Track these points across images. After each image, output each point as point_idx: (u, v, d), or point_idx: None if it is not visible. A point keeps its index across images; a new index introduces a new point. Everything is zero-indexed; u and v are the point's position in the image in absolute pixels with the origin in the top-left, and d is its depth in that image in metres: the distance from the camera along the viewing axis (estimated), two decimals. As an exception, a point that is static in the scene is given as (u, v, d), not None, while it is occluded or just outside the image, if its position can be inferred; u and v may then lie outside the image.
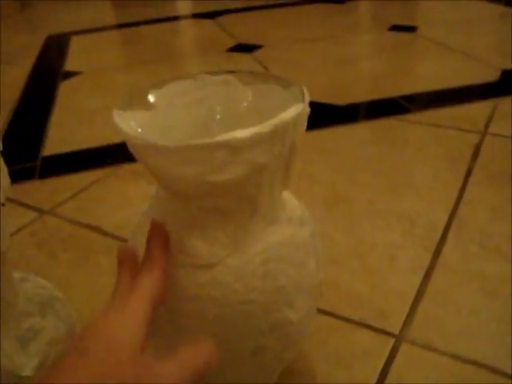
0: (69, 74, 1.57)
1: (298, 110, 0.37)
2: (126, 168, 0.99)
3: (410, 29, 1.71)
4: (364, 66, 1.45)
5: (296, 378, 0.55)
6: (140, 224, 0.44)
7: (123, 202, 0.88)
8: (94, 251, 0.76)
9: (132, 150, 0.38)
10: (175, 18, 2.20)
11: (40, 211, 0.87)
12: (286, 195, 0.44)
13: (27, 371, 0.46)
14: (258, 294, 0.40)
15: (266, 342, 0.43)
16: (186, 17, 2.26)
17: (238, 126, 0.36)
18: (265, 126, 0.35)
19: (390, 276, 0.68)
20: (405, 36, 1.67)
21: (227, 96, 0.45)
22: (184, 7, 2.49)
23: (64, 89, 1.45)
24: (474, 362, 0.55)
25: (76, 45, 1.90)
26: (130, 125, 0.38)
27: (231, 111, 0.45)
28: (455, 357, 0.56)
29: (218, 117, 0.45)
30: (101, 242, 0.78)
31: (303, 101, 0.39)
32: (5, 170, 0.45)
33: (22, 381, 0.46)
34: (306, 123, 0.39)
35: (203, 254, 0.39)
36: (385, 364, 0.56)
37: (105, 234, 0.80)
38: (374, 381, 0.54)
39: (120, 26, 2.15)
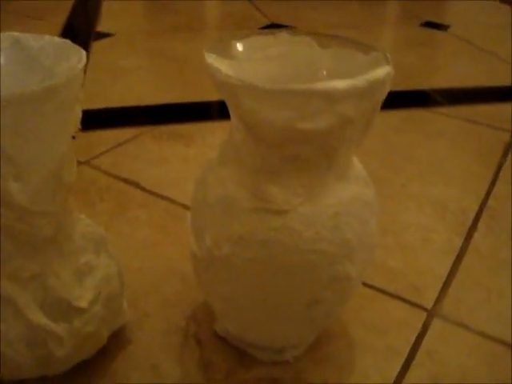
0: (101, 35, 1.57)
1: (387, 70, 0.38)
2: (161, 129, 1.00)
3: (442, 27, 1.72)
4: (395, 58, 1.45)
5: (332, 340, 0.57)
6: (210, 167, 0.46)
7: (159, 161, 0.89)
8: (131, 204, 0.77)
9: (224, 92, 0.39)
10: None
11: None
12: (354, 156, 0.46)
13: (83, 303, 0.48)
14: (326, 244, 0.41)
15: (323, 294, 0.44)
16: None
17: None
18: (360, 80, 0.36)
19: (422, 255, 0.69)
20: (436, 33, 1.67)
21: (306, 56, 0.46)
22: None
23: (97, 48, 1.45)
24: (502, 342, 0.57)
25: (108, 7, 1.90)
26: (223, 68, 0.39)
27: (310, 71, 0.46)
28: (484, 335, 0.58)
29: (297, 75, 0.46)
30: (138, 196, 0.79)
31: (388, 63, 0.40)
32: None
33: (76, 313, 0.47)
34: (389, 87, 0.40)
35: (278, 200, 0.40)
36: (417, 336, 0.58)
37: (142, 188, 0.81)
38: (407, 350, 0.56)
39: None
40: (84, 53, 0.42)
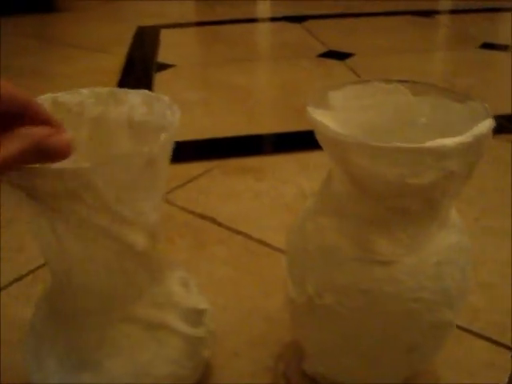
0: (162, 66, 1.61)
1: (491, 124, 0.39)
2: (230, 163, 1.02)
3: (502, 47, 1.70)
4: (456, 82, 1.46)
5: (420, 380, 0.57)
6: (307, 216, 0.47)
7: (232, 196, 0.91)
8: (209, 241, 0.79)
9: (329, 147, 0.40)
10: (260, 20, 2.24)
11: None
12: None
13: (204, 305, 0.53)
14: (427, 293, 0.42)
15: (423, 340, 0.45)
16: (271, 19, 2.29)
17: (412, 138, 0.38)
18: (468, 137, 0.37)
19: (502, 291, 0.69)
20: (497, 55, 1.66)
21: (400, 105, 0.47)
22: (267, 10, 2.52)
23: (159, 80, 1.49)
24: None
25: (165, 38, 1.95)
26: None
27: (406, 121, 0.47)
28: None
29: (392, 125, 0.47)
30: (215, 232, 0.81)
31: (488, 115, 0.41)
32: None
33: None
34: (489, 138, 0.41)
35: (384, 251, 0.41)
36: (509, 378, 0.57)
37: (218, 224, 0.83)
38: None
39: (205, 23, 2.19)
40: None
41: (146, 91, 0.47)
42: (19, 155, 0.31)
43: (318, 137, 0.41)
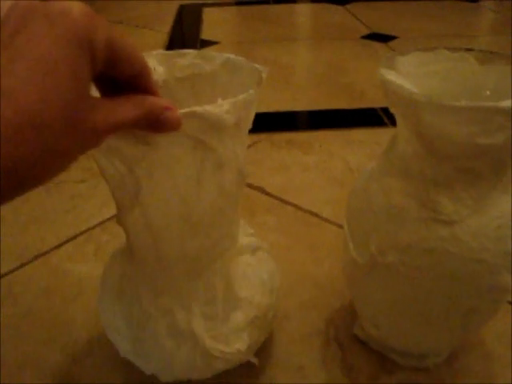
0: (207, 43, 1.63)
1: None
2: (278, 136, 1.03)
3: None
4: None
5: (470, 351, 0.58)
6: (372, 177, 0.48)
7: (281, 168, 0.92)
8: (259, 210, 0.81)
9: (400, 107, 0.41)
10: (303, 1, 2.23)
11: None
12: None
13: (244, 293, 0.51)
14: (490, 254, 0.43)
15: (481, 303, 0.46)
16: (314, 1, 2.28)
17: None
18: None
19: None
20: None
21: (466, 73, 0.48)
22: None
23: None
24: None
25: (208, 16, 1.96)
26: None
27: (471, 88, 0.48)
28: None
29: (458, 91, 0.48)
30: (264, 201, 0.83)
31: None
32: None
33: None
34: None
35: (447, 210, 0.42)
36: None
37: (268, 194, 0.84)
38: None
39: (244, 2, 2.20)
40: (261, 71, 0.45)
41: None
42: (135, 121, 0.32)
43: (390, 97, 0.42)
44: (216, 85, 0.49)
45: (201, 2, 2.16)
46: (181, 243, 0.44)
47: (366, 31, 1.72)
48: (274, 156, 0.96)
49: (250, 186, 0.86)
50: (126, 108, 0.32)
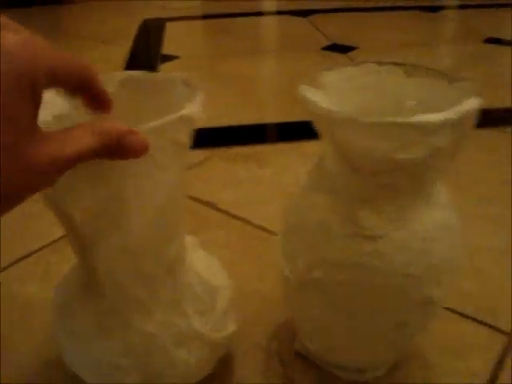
0: (167, 58, 1.62)
1: (476, 102, 0.40)
2: (232, 151, 1.03)
3: (507, 43, 1.70)
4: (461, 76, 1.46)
5: (410, 363, 0.58)
6: (302, 194, 0.48)
7: (234, 182, 0.92)
8: (209, 225, 0.80)
9: (320, 124, 0.41)
10: (265, 13, 2.25)
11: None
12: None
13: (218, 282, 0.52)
14: (415, 268, 0.43)
15: (410, 316, 0.46)
16: (276, 13, 2.30)
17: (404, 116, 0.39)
18: (454, 113, 0.38)
19: (497, 278, 0.69)
20: (501, 49, 1.66)
21: (392, 86, 0.48)
22: (273, 3, 2.53)
23: (164, 71, 1.50)
24: None
25: (171, 31, 1.96)
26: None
27: (396, 102, 0.48)
28: None
29: (383, 105, 0.48)
30: (215, 217, 0.82)
31: (474, 95, 0.41)
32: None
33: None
34: (475, 117, 0.42)
35: (371, 226, 0.42)
36: (498, 359, 0.58)
37: (219, 209, 0.84)
38: (487, 375, 0.56)
39: (210, 16, 2.20)
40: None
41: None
42: (93, 151, 0.30)
43: (310, 115, 0.42)
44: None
45: (166, 16, 2.16)
46: (158, 250, 0.45)
47: (326, 42, 1.73)
48: (228, 170, 0.96)
49: (200, 201, 0.86)
50: (80, 138, 0.30)
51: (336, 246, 0.44)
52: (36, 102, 0.28)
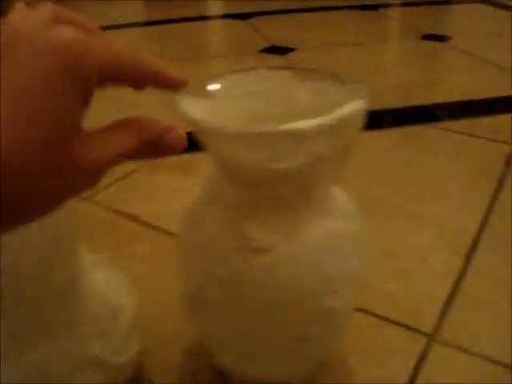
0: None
1: (358, 105, 0.38)
2: (160, 161, 1.00)
3: (442, 38, 1.72)
4: (395, 74, 1.46)
5: (330, 372, 0.56)
6: (194, 207, 0.46)
7: (159, 194, 0.90)
8: (132, 239, 0.78)
9: (198, 136, 0.39)
10: (207, 18, 2.22)
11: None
12: (337, 188, 0.46)
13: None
14: (307, 281, 0.41)
15: (310, 330, 0.44)
16: (218, 17, 2.28)
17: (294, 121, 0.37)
18: (327, 119, 0.36)
19: (421, 278, 0.69)
20: (437, 45, 1.67)
21: (284, 91, 0.47)
22: (216, 7, 2.51)
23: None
24: (504, 365, 0.56)
25: (112, 38, 1.92)
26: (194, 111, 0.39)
27: (288, 106, 0.46)
28: (485, 358, 0.57)
29: (275, 111, 0.46)
30: (139, 231, 0.80)
31: (362, 97, 0.40)
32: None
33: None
34: (363, 119, 0.40)
35: (258, 238, 0.41)
36: (416, 362, 0.57)
37: (141, 222, 0.82)
38: (406, 379, 0.55)
39: (151, 23, 2.17)
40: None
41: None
42: (133, 150, 0.29)
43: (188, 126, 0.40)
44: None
45: (108, 23, 2.12)
46: (44, 278, 0.43)
47: (265, 45, 1.71)
48: (153, 181, 0.94)
49: (125, 215, 0.83)
50: (121, 138, 0.29)
51: (227, 262, 0.42)
52: (85, 100, 0.27)
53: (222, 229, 0.42)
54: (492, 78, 1.39)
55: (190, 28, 2.02)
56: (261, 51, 1.65)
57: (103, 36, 0.30)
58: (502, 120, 1.13)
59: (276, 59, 1.56)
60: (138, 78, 0.31)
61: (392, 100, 1.28)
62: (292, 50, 1.64)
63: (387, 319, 0.62)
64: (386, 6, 2.28)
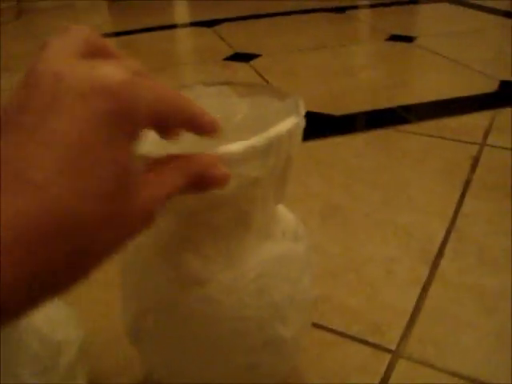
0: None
1: (292, 123, 0.36)
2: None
3: (409, 39, 1.71)
4: (361, 76, 1.45)
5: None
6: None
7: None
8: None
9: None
10: (172, 27, 2.20)
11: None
12: (281, 209, 0.44)
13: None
14: (252, 310, 0.39)
15: (260, 358, 0.42)
16: (184, 25, 2.26)
17: (233, 139, 0.35)
18: (258, 140, 0.34)
19: (386, 290, 0.67)
20: (403, 46, 1.66)
21: (222, 108, 0.44)
22: (181, 16, 2.49)
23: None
24: (471, 379, 0.54)
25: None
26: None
27: (226, 123, 0.44)
28: (452, 373, 0.55)
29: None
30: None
31: (298, 113, 0.38)
32: None
33: None
34: (301, 136, 0.38)
35: (196, 270, 0.38)
36: (381, 380, 0.55)
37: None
38: (370, 397, 0.53)
39: (117, 33, 2.14)
40: None
41: None
42: (183, 189, 0.29)
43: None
44: None
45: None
46: None
47: (229, 52, 1.69)
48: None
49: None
50: (174, 177, 0.28)
51: (165, 293, 0.40)
52: (134, 145, 0.25)
53: (157, 257, 0.40)
54: (460, 77, 1.38)
55: (157, 37, 1.99)
56: (225, 59, 1.63)
57: (146, 74, 0.27)
58: (468, 120, 1.12)
59: (241, 66, 1.54)
60: (177, 123, 0.29)
61: (358, 104, 1.26)
62: (257, 56, 1.62)
63: (349, 336, 0.60)
64: (355, 7, 2.27)
